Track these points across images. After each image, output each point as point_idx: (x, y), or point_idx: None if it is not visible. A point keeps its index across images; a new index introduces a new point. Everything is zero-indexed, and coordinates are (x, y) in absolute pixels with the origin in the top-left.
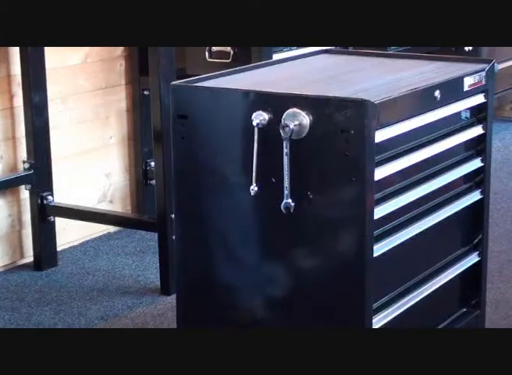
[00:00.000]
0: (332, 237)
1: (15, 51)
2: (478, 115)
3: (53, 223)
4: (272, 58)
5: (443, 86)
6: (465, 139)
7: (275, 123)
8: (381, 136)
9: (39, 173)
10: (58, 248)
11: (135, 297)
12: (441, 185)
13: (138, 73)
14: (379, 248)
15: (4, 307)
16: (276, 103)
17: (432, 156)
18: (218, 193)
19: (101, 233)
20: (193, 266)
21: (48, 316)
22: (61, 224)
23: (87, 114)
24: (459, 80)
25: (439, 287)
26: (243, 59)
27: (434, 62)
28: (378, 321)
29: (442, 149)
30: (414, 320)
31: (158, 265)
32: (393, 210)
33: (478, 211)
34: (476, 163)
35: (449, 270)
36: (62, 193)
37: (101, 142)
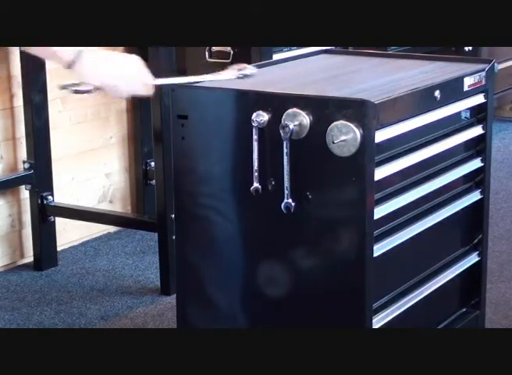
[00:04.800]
0: (332, 237)
1: (15, 51)
2: (478, 115)
3: (53, 223)
4: (272, 58)
5: (443, 86)
6: (465, 139)
7: (275, 123)
8: (381, 136)
9: (39, 173)
10: (58, 248)
11: (135, 297)
12: (441, 185)
13: None
14: (379, 248)
15: (4, 307)
16: (276, 103)
17: (431, 156)
18: (218, 193)
19: (101, 233)
20: (193, 266)
21: (48, 316)
22: (61, 224)
23: (87, 114)
24: (459, 80)
25: (439, 287)
26: (243, 59)
27: (434, 62)
28: (378, 321)
29: (442, 149)
30: (414, 320)
31: (158, 265)
32: (393, 210)
33: (478, 211)
34: (476, 163)
35: (449, 270)
36: (62, 193)
37: (101, 142)
